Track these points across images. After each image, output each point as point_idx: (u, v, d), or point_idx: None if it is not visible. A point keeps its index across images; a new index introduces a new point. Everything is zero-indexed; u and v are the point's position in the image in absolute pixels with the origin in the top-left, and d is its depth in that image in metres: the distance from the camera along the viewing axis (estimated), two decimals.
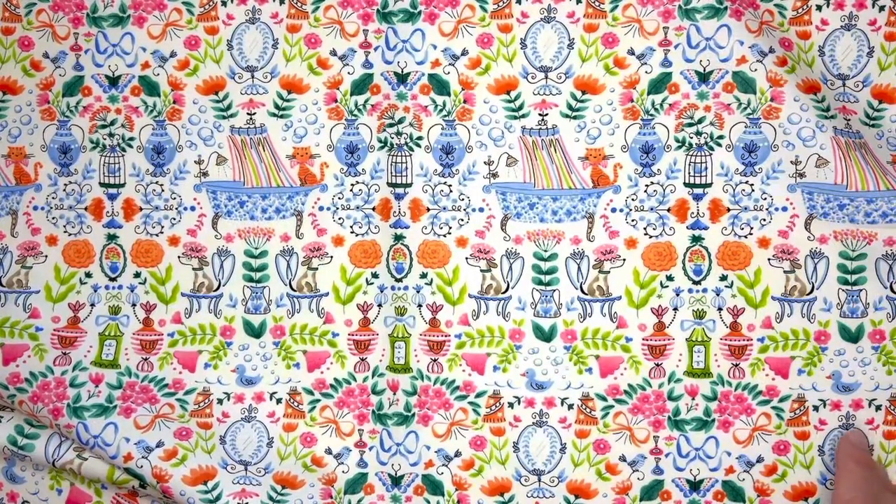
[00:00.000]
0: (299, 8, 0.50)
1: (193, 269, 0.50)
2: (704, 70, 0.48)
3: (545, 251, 0.49)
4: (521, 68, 0.49)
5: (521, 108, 0.49)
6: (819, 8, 0.45)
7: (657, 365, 0.48)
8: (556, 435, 0.49)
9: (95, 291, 0.51)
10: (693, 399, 0.48)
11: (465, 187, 0.49)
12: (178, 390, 0.50)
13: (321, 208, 0.50)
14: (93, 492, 0.51)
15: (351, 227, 0.50)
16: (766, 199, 0.48)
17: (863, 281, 0.47)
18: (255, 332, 0.50)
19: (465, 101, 0.49)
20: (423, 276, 0.49)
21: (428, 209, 0.49)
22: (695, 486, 0.48)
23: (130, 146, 0.51)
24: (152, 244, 0.51)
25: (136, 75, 0.50)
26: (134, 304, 0.51)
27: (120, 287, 0.51)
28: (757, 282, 0.48)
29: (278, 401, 0.50)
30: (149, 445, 0.49)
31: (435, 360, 0.49)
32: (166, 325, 0.50)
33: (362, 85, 0.50)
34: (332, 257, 0.50)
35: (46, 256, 0.51)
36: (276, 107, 0.50)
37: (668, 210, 0.48)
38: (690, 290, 0.48)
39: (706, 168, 0.48)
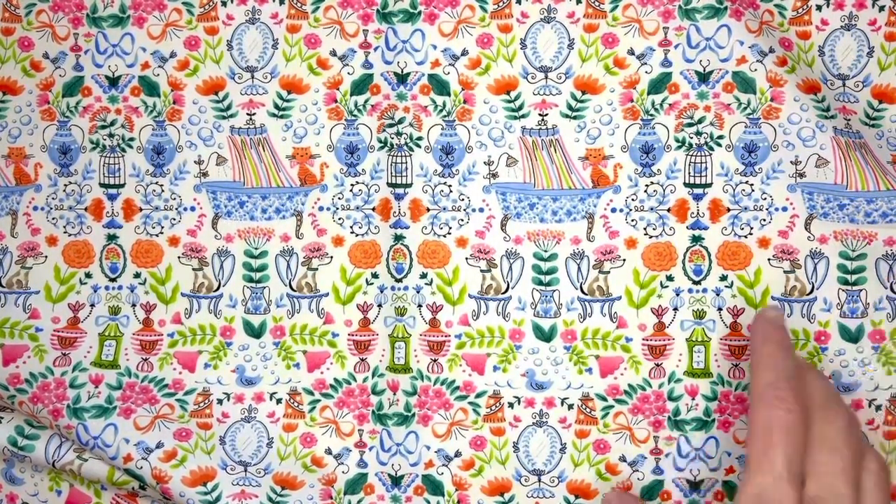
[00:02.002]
0: (299, 8, 0.50)
1: (193, 269, 0.50)
2: (704, 70, 0.48)
3: (545, 251, 0.49)
4: (521, 68, 0.49)
5: (521, 108, 0.49)
6: (819, 8, 0.45)
7: (657, 365, 0.48)
8: (556, 435, 0.49)
9: (95, 292, 0.51)
10: (693, 399, 0.48)
11: (465, 187, 0.49)
12: (178, 391, 0.50)
13: (321, 208, 0.50)
14: (92, 493, 0.51)
15: (351, 227, 0.50)
16: (766, 199, 0.48)
17: (863, 281, 0.47)
18: (255, 332, 0.50)
19: (465, 102, 0.49)
20: (423, 276, 0.49)
21: (428, 209, 0.49)
22: (695, 486, 0.48)
23: (130, 146, 0.51)
24: (152, 244, 0.51)
25: (136, 75, 0.50)
26: (134, 305, 0.51)
27: (120, 287, 0.51)
28: (757, 282, 0.48)
29: (278, 401, 0.50)
30: (148, 446, 0.49)
31: (435, 361, 0.49)
32: (166, 325, 0.50)
33: (362, 85, 0.50)
34: (331, 258, 0.50)
35: (46, 257, 0.51)
36: (276, 107, 0.50)
37: (668, 210, 0.48)
38: (690, 291, 0.48)
39: (706, 168, 0.48)
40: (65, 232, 0.51)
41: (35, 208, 0.51)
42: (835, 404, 0.40)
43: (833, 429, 0.39)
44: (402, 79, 0.49)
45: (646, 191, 0.48)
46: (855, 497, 0.37)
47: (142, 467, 0.48)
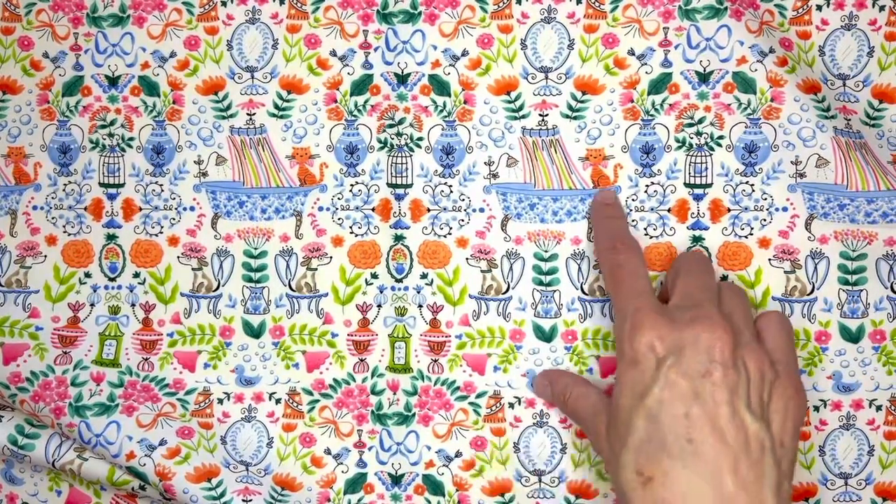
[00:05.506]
0: (299, 8, 0.50)
1: (193, 269, 0.50)
2: (704, 70, 0.48)
3: (545, 251, 0.49)
4: (521, 69, 0.49)
5: (521, 108, 0.49)
6: (819, 8, 0.45)
7: None
8: (557, 435, 0.48)
9: (95, 291, 0.51)
10: None
11: (466, 188, 0.49)
12: (178, 390, 0.50)
13: (321, 209, 0.50)
14: (92, 493, 0.51)
15: (350, 227, 0.50)
16: (766, 199, 0.48)
17: (863, 281, 0.47)
18: (255, 332, 0.50)
19: (465, 102, 0.49)
20: (424, 276, 0.49)
21: (428, 210, 0.49)
22: None
23: (130, 146, 0.51)
24: (152, 244, 0.51)
25: (136, 75, 0.50)
26: (133, 305, 0.51)
27: (119, 287, 0.51)
28: (757, 282, 0.48)
29: (277, 401, 0.50)
30: (151, 444, 0.49)
31: (435, 361, 0.49)
32: (165, 325, 0.50)
33: (362, 85, 0.50)
34: (331, 258, 0.50)
35: (46, 256, 0.51)
36: (276, 107, 0.50)
37: (669, 210, 0.48)
38: None
39: (706, 168, 0.48)
40: (64, 231, 0.51)
41: (34, 208, 0.51)
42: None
43: (692, 268, 0.45)
44: (402, 79, 0.49)
45: (646, 191, 0.48)
46: (715, 301, 0.42)
47: (145, 464, 0.48)
